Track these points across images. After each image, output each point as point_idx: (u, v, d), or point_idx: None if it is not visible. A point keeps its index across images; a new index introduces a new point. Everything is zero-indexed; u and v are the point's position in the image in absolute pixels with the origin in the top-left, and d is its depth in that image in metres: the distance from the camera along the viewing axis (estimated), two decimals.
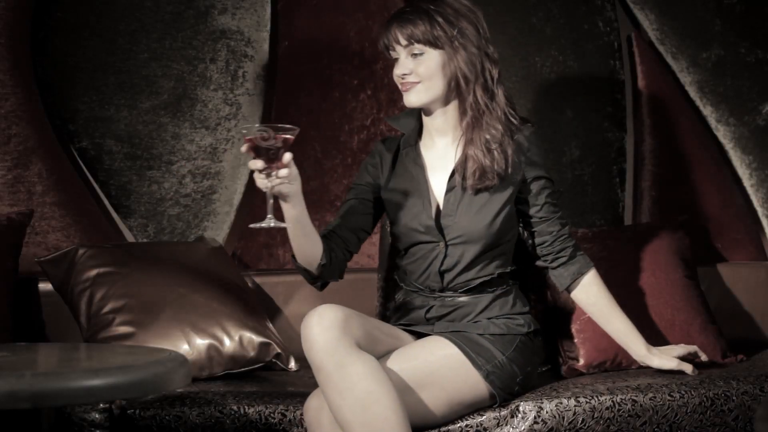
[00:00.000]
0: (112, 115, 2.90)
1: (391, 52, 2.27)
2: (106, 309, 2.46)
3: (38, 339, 2.65)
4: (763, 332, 2.94)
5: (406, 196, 2.31)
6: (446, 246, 2.27)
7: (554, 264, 2.33)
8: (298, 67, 3.02)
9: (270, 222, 1.99)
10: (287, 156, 1.99)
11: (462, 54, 2.23)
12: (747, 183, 3.15)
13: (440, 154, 2.33)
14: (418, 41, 2.22)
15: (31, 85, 2.82)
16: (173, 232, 2.94)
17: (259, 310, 2.62)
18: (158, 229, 2.93)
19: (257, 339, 2.48)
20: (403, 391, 2.06)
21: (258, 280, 2.83)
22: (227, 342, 2.44)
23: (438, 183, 2.31)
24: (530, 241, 2.37)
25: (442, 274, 2.28)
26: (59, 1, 2.87)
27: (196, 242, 2.81)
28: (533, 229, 2.34)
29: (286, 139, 1.97)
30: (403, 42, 2.23)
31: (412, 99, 2.26)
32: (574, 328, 2.50)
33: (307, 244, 2.18)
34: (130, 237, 2.93)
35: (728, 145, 3.15)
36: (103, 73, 2.89)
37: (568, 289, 2.34)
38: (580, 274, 2.32)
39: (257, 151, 1.97)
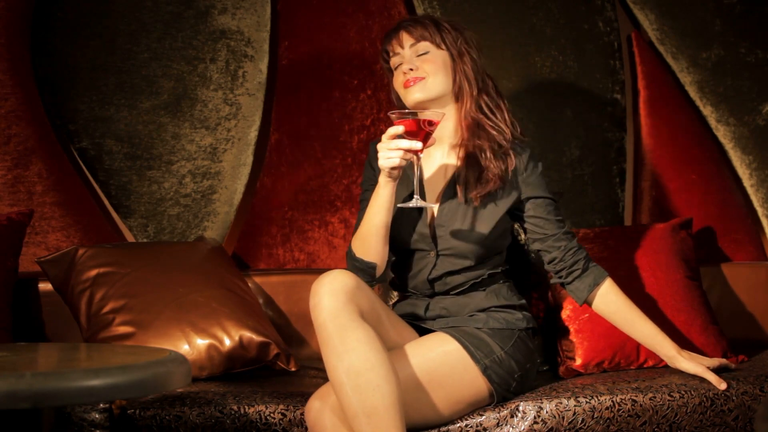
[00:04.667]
0: (112, 115, 2.90)
1: (394, 58, 2.32)
2: (106, 309, 2.46)
3: (38, 339, 2.65)
4: (764, 332, 2.94)
5: (400, 200, 2.31)
6: (437, 256, 2.29)
7: (569, 278, 2.34)
8: (298, 66, 3.02)
9: (417, 201, 2.12)
10: (433, 138, 2.16)
11: (467, 60, 2.31)
12: (747, 183, 3.15)
13: (437, 162, 2.35)
14: (425, 39, 2.29)
15: (31, 85, 2.82)
16: (173, 232, 2.94)
17: (259, 310, 2.62)
18: (158, 229, 2.93)
19: (257, 339, 2.48)
20: (402, 391, 2.06)
21: (258, 280, 2.83)
22: (227, 342, 2.44)
23: (434, 191, 2.33)
24: (542, 259, 2.38)
25: (431, 282, 2.31)
26: (59, 1, 2.87)
27: (196, 242, 2.81)
28: (541, 247, 2.35)
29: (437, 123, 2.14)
30: (410, 41, 2.30)
31: (416, 95, 2.28)
32: (573, 328, 2.50)
33: (387, 231, 2.23)
34: (130, 237, 2.93)
35: (728, 145, 3.15)
36: (103, 73, 2.90)
37: (588, 302, 2.35)
38: (596, 284, 2.32)
39: (413, 135, 2.10)
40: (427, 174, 2.35)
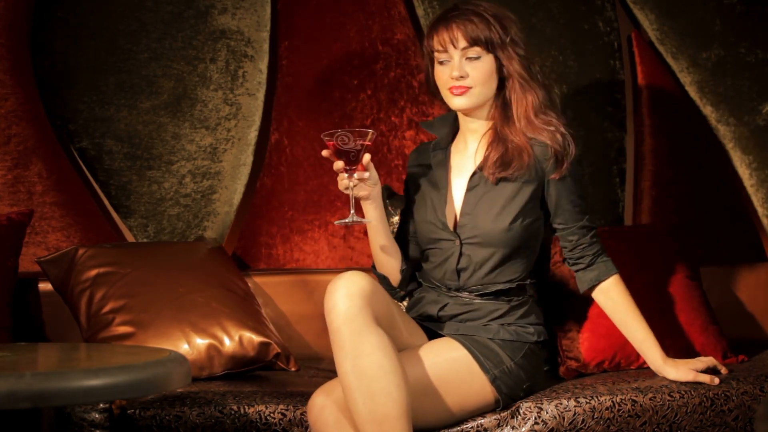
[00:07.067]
0: (112, 115, 2.90)
1: (439, 53, 2.26)
2: (106, 309, 2.46)
3: (38, 339, 2.65)
4: (764, 332, 2.94)
5: (426, 195, 2.33)
6: (461, 244, 2.27)
7: (574, 268, 2.35)
8: (298, 66, 3.02)
9: (353, 218, 2.16)
10: (366, 157, 2.15)
11: (516, 60, 2.27)
12: (747, 183, 3.15)
13: (469, 154, 2.35)
14: (478, 44, 2.24)
15: (31, 85, 2.82)
16: (173, 232, 2.94)
17: (259, 310, 2.62)
18: (158, 229, 2.93)
19: (257, 339, 2.48)
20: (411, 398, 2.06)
21: (258, 280, 2.83)
22: (227, 342, 2.44)
23: (461, 183, 2.33)
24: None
25: (458, 272, 2.28)
26: (59, 1, 2.87)
27: (196, 242, 2.81)
28: (555, 234, 2.36)
29: (364, 143, 2.13)
30: (463, 44, 2.24)
31: (462, 103, 2.26)
32: (573, 328, 2.50)
33: (386, 247, 2.30)
34: (130, 237, 2.93)
35: (728, 145, 3.15)
36: (103, 73, 2.90)
37: (587, 293, 2.35)
38: (599, 280, 2.32)
39: (339, 154, 2.13)
40: (457, 166, 2.35)
